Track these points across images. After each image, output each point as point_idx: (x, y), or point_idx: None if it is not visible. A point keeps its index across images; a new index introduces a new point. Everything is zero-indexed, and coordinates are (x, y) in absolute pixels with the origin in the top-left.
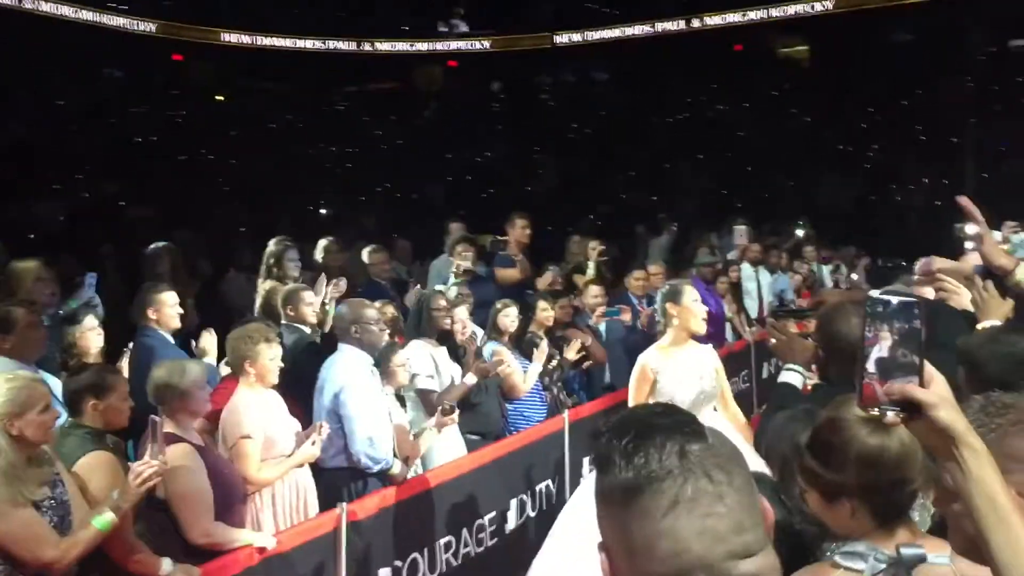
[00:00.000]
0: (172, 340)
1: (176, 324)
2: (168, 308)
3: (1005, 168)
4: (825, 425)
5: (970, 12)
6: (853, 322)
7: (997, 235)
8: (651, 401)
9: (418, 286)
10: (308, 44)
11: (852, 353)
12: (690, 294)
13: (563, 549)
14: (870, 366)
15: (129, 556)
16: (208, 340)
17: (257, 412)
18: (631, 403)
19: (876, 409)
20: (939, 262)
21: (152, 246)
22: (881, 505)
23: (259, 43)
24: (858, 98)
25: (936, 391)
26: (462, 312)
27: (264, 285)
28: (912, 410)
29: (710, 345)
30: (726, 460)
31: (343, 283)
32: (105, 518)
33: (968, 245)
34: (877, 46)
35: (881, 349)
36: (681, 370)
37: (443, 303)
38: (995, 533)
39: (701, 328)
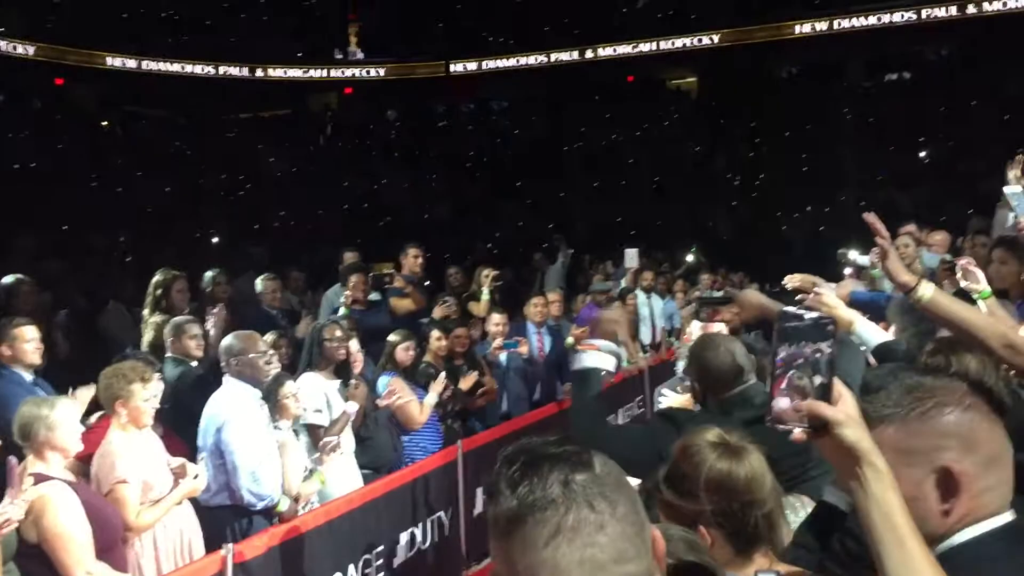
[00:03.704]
0: (30, 377)
1: (36, 360)
2: (25, 344)
3: (883, 196)
4: (678, 454)
5: (848, 47)
6: (721, 350)
7: (864, 259)
8: None
9: (310, 316)
10: (198, 69)
11: (723, 381)
12: None
13: None
14: (780, 382)
15: None
16: (84, 394)
17: (132, 455)
18: None
19: (785, 425)
20: (798, 279)
21: (2, 281)
22: (736, 530)
23: (145, 67)
24: (744, 129)
25: (843, 409)
26: (354, 345)
27: (153, 318)
28: (819, 427)
29: None
30: (611, 489)
31: (220, 310)
32: None
33: (847, 271)
34: (762, 79)
35: (791, 366)
36: None
37: (338, 334)
38: (891, 554)
39: None
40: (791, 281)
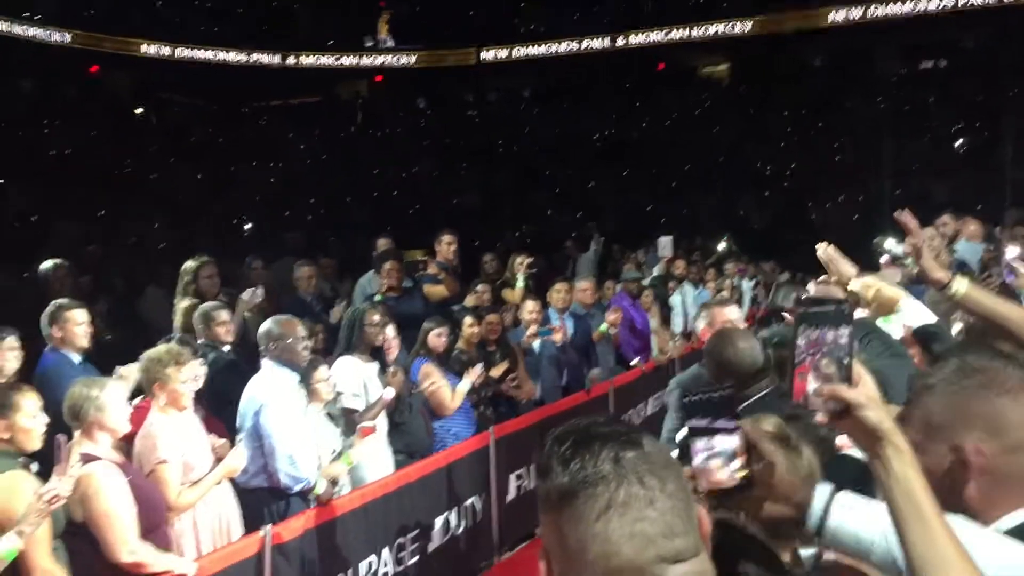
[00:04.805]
0: (78, 359)
1: (84, 343)
2: (75, 326)
3: (917, 185)
4: None
5: (881, 36)
6: (739, 345)
7: (900, 248)
8: None
9: (344, 303)
10: (230, 57)
11: (740, 377)
12: None
13: None
14: (802, 367)
15: None
16: (129, 371)
17: (172, 436)
18: None
19: (808, 409)
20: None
21: (41, 267)
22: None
23: (179, 55)
24: (776, 117)
25: (864, 391)
26: (390, 331)
27: (182, 303)
28: (841, 409)
29: None
30: (660, 467)
31: (260, 291)
32: (9, 546)
33: (883, 259)
34: (794, 68)
35: (812, 351)
36: None
37: (377, 318)
38: (912, 529)
39: None
40: (823, 251)
